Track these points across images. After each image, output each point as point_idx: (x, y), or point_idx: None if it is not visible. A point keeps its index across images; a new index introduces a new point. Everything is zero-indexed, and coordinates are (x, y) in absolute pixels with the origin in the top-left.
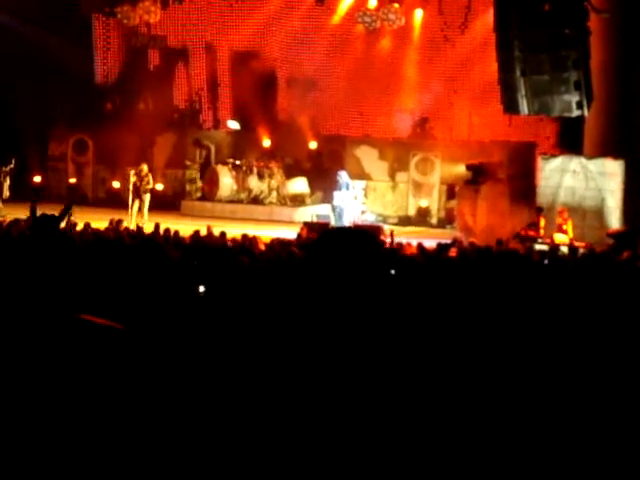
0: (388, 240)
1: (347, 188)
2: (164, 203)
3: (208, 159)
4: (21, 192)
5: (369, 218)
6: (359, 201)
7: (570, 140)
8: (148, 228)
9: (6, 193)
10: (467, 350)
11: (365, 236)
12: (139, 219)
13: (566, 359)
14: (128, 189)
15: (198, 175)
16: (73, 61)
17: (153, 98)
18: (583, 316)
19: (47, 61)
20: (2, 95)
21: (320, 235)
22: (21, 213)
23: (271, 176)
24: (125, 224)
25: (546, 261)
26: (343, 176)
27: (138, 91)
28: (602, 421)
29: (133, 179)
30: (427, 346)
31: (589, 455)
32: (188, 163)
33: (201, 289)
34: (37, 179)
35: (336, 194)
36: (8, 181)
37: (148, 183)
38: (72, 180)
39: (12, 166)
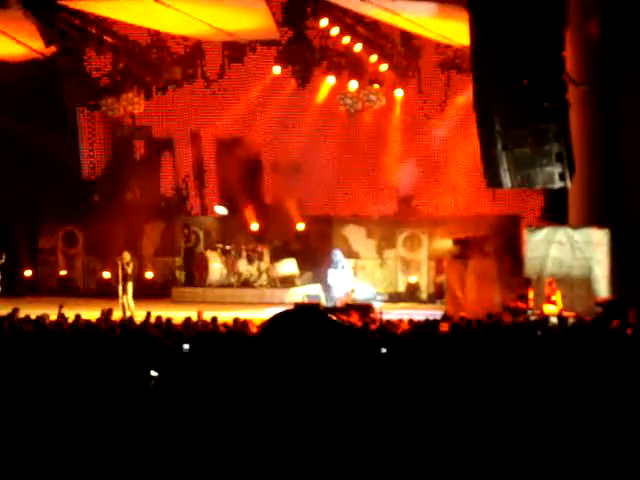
0: (378, 317)
1: (342, 267)
2: (155, 291)
3: (196, 245)
4: (12, 286)
5: (365, 294)
6: (350, 279)
7: (555, 211)
8: (138, 316)
9: None
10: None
11: (315, 316)
12: (128, 307)
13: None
14: (116, 278)
15: (181, 261)
16: (60, 154)
17: (140, 187)
18: (576, 384)
19: (34, 155)
20: None
21: (272, 317)
22: (12, 307)
23: (260, 259)
24: (118, 313)
25: (539, 332)
26: (338, 254)
27: (125, 181)
28: None
29: (118, 268)
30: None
31: None
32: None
33: (185, 347)
34: (28, 273)
35: (330, 272)
36: None
37: (130, 270)
38: (63, 272)
39: (2, 260)
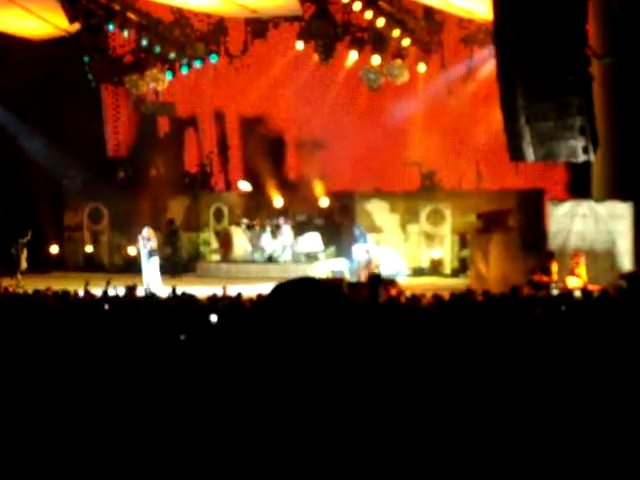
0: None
1: (364, 241)
2: (180, 266)
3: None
4: (38, 263)
5: (390, 268)
6: (373, 254)
7: (578, 185)
8: (162, 291)
9: (24, 264)
10: (484, 399)
11: (326, 289)
12: (152, 283)
13: (586, 402)
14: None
15: (213, 237)
16: (84, 131)
17: (164, 164)
18: (600, 357)
19: (59, 132)
20: (17, 167)
21: (274, 289)
22: (39, 284)
23: (284, 234)
24: (143, 289)
25: (563, 307)
26: (359, 230)
27: (149, 158)
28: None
29: (141, 243)
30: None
31: None
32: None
33: (213, 318)
34: (54, 249)
35: (354, 248)
36: (25, 252)
37: (154, 246)
38: (88, 249)
39: (29, 237)
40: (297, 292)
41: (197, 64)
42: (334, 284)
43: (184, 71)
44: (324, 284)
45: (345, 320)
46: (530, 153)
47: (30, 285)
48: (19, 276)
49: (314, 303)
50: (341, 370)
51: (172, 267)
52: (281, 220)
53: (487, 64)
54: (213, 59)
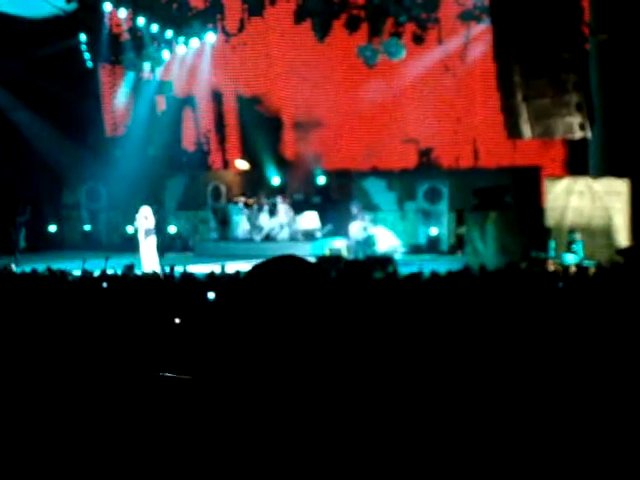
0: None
1: (362, 219)
2: (178, 244)
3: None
4: (37, 242)
5: (387, 245)
6: (370, 232)
7: (575, 161)
8: (159, 270)
9: (22, 243)
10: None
11: (305, 265)
12: (151, 261)
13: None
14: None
15: (211, 216)
16: (82, 110)
17: (162, 143)
18: (596, 332)
19: (56, 111)
20: (14, 147)
21: (251, 269)
22: (37, 263)
23: (281, 212)
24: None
25: (560, 283)
26: (356, 207)
27: (147, 136)
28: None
29: (138, 222)
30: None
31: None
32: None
33: (211, 295)
34: (52, 228)
35: (352, 226)
36: (24, 231)
37: (151, 225)
38: (86, 227)
39: (27, 216)
40: (276, 268)
41: (194, 42)
42: (313, 262)
43: (181, 50)
44: (303, 261)
45: (320, 294)
46: (527, 130)
47: (28, 264)
48: (17, 255)
49: (293, 279)
50: (325, 345)
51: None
52: (279, 198)
53: (484, 41)
54: (209, 37)
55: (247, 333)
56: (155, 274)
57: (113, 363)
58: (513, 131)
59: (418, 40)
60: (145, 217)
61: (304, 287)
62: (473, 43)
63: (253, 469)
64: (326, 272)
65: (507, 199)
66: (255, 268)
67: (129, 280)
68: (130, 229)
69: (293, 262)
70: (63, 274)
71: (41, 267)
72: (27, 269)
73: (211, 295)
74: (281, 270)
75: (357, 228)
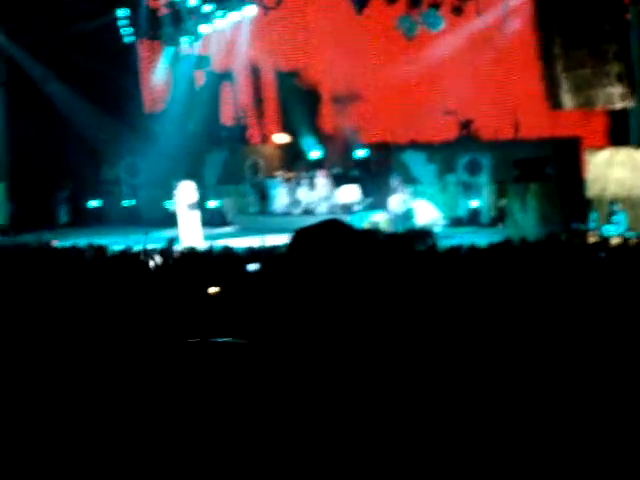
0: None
1: (402, 192)
2: (217, 219)
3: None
4: (78, 217)
5: (427, 218)
6: (410, 205)
7: (617, 132)
8: (202, 244)
9: (63, 218)
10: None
11: (352, 230)
12: (192, 236)
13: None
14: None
15: (250, 190)
16: (120, 85)
17: (200, 118)
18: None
19: (96, 87)
20: (54, 123)
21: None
22: (78, 238)
23: (320, 186)
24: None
25: (602, 254)
26: (395, 180)
27: (186, 111)
28: None
29: (179, 197)
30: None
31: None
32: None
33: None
34: (93, 203)
35: (391, 199)
36: (64, 207)
37: (192, 199)
38: (127, 203)
39: (68, 192)
40: (323, 233)
41: (232, 16)
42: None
43: (219, 24)
44: (350, 226)
45: (367, 257)
46: (568, 101)
47: (70, 239)
48: (58, 230)
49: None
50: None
51: None
52: (317, 172)
53: (523, 12)
54: (248, 11)
55: (295, 297)
56: (195, 248)
57: (156, 333)
58: (554, 102)
59: (457, 11)
60: (186, 192)
61: (351, 249)
62: (513, 14)
63: (310, 424)
64: (373, 236)
65: (548, 170)
66: (301, 231)
67: (170, 254)
68: (170, 204)
69: (340, 226)
70: (103, 249)
71: (82, 242)
72: (68, 244)
73: (251, 267)
74: (328, 233)
75: (397, 201)
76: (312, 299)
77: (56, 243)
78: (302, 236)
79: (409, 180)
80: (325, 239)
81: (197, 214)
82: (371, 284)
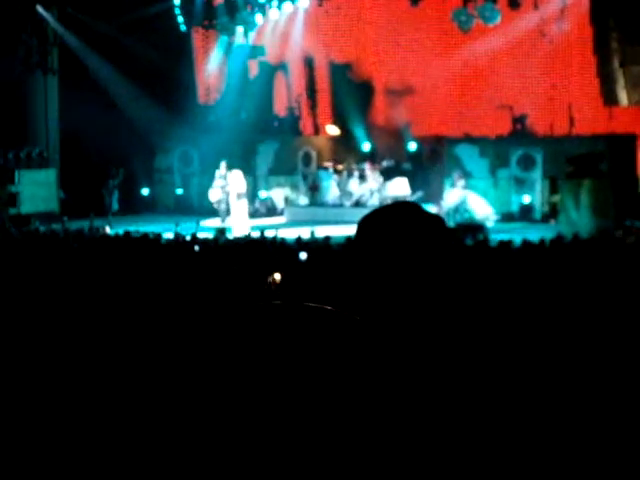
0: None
1: (462, 187)
2: (268, 209)
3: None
4: (129, 205)
5: (480, 213)
6: (463, 199)
7: None
8: (252, 234)
9: (115, 206)
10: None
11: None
12: (242, 225)
13: None
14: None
15: (301, 181)
16: (175, 75)
17: (254, 107)
18: None
19: (149, 76)
20: (107, 111)
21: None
22: (130, 225)
23: (371, 178)
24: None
25: None
26: (457, 174)
27: (239, 101)
28: None
29: (226, 186)
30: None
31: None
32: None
33: (303, 256)
34: (145, 191)
35: (449, 193)
36: (117, 194)
37: (243, 189)
38: (179, 191)
39: (120, 179)
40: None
41: (287, 7)
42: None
43: (274, 14)
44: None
45: (447, 249)
46: (623, 97)
47: (121, 226)
48: (110, 217)
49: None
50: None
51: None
52: (369, 165)
53: (581, 6)
54: (303, 2)
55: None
56: (246, 237)
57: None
58: (609, 98)
59: (514, 5)
60: (234, 181)
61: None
62: (569, 9)
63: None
64: (442, 220)
65: (602, 167)
66: (374, 212)
67: (220, 243)
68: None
69: (413, 207)
70: (156, 237)
71: (134, 229)
72: (120, 231)
73: (302, 256)
74: (402, 214)
75: (455, 196)
76: (383, 280)
77: (108, 230)
78: (374, 217)
79: (462, 174)
80: (398, 220)
81: (245, 203)
82: (443, 269)
